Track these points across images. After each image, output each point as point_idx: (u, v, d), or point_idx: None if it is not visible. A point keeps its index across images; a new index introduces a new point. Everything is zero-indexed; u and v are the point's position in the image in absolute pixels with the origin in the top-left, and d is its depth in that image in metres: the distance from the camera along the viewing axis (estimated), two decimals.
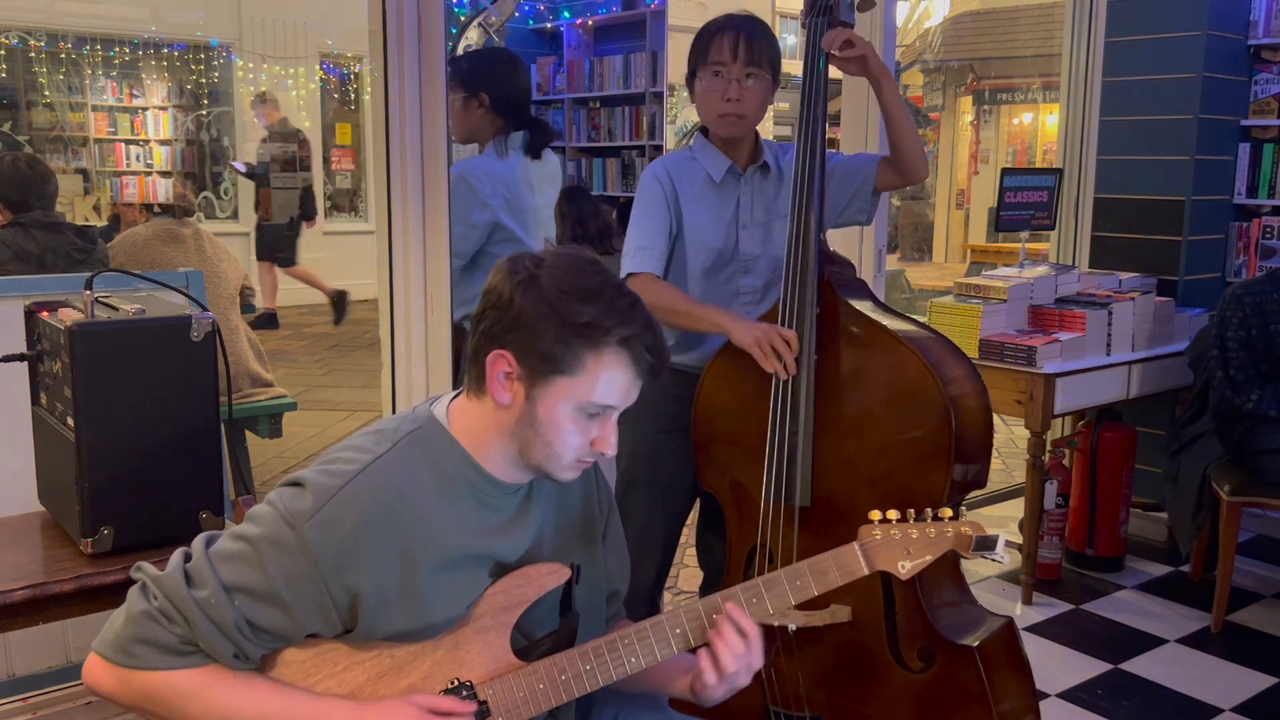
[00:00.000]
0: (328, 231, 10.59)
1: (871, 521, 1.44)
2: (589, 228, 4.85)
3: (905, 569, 1.43)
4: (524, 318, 1.28)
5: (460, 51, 6.29)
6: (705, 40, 2.21)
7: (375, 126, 2.40)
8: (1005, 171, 3.88)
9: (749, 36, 2.17)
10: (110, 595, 1.57)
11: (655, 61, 7.34)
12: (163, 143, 10.12)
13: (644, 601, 2.32)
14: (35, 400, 1.80)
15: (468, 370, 1.36)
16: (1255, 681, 3.02)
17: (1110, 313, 3.55)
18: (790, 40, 13.79)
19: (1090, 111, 4.10)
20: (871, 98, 3.12)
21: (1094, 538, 3.77)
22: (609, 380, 1.31)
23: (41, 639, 2.33)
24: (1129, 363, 3.59)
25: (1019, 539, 3.73)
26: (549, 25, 8.17)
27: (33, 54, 9.33)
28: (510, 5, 7.20)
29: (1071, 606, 3.51)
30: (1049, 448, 3.48)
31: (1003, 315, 3.49)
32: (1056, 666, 3.07)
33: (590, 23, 7.88)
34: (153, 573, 1.29)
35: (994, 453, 2.11)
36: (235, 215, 10.13)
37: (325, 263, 10.23)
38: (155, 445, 1.65)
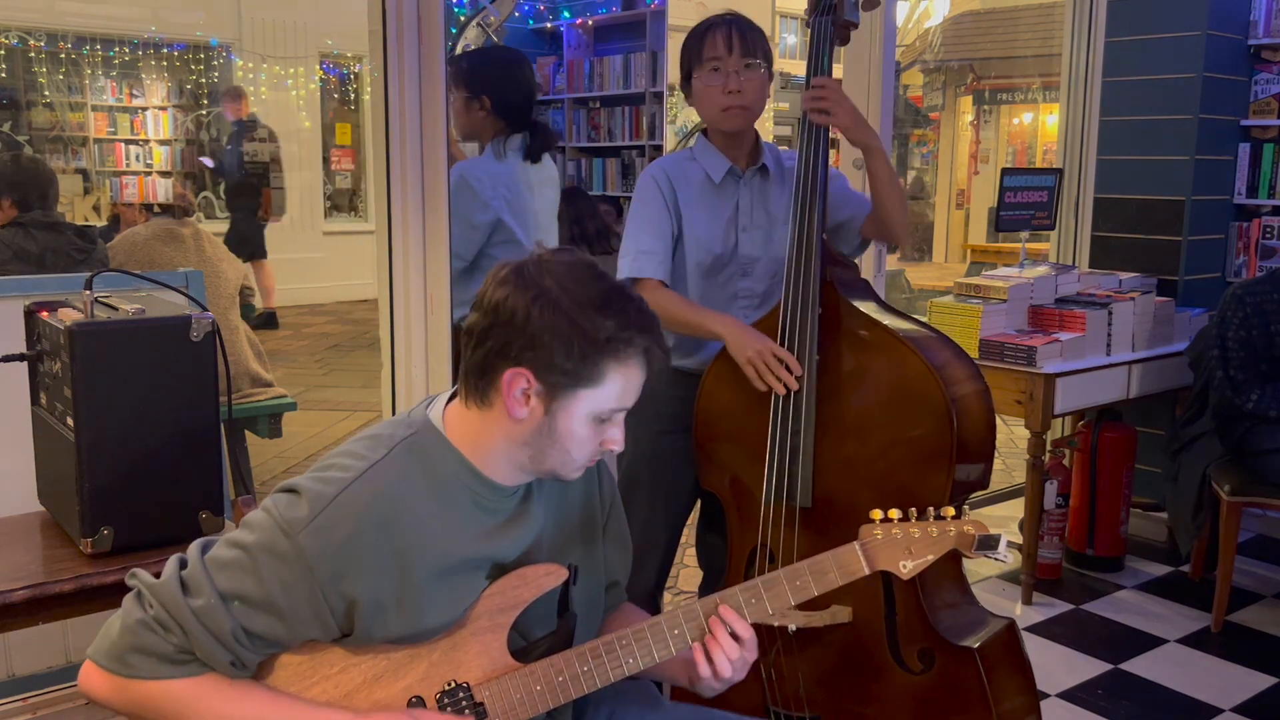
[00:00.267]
0: (328, 231, 10.60)
1: (872, 521, 1.44)
2: (587, 228, 4.86)
3: (907, 569, 1.43)
4: (543, 337, 1.27)
5: (459, 51, 6.29)
6: (697, 40, 2.21)
7: (375, 126, 2.40)
8: (1005, 171, 3.88)
9: (740, 30, 2.19)
10: (110, 595, 1.57)
11: (655, 61, 7.33)
12: (163, 143, 10.12)
13: (644, 602, 2.31)
14: (35, 400, 1.80)
15: (469, 380, 1.34)
16: (1255, 681, 3.02)
17: (1110, 313, 3.55)
18: (790, 40, 13.81)
19: (1090, 111, 4.10)
20: (871, 94, 3.13)
21: (1094, 538, 3.77)
22: (627, 385, 1.32)
23: (41, 639, 2.33)
24: (1129, 363, 3.59)
25: (1019, 539, 3.73)
26: (549, 25, 8.16)
27: (32, 54, 9.34)
28: (509, 5, 7.18)
29: (1071, 606, 3.51)
30: (1049, 448, 3.48)
31: (1003, 315, 3.49)
32: (1057, 666, 3.07)
33: (590, 23, 7.87)
34: (148, 580, 1.29)
35: (994, 453, 2.11)
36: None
37: (325, 263, 10.25)
38: (155, 445, 1.65)
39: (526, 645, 1.40)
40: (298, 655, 1.32)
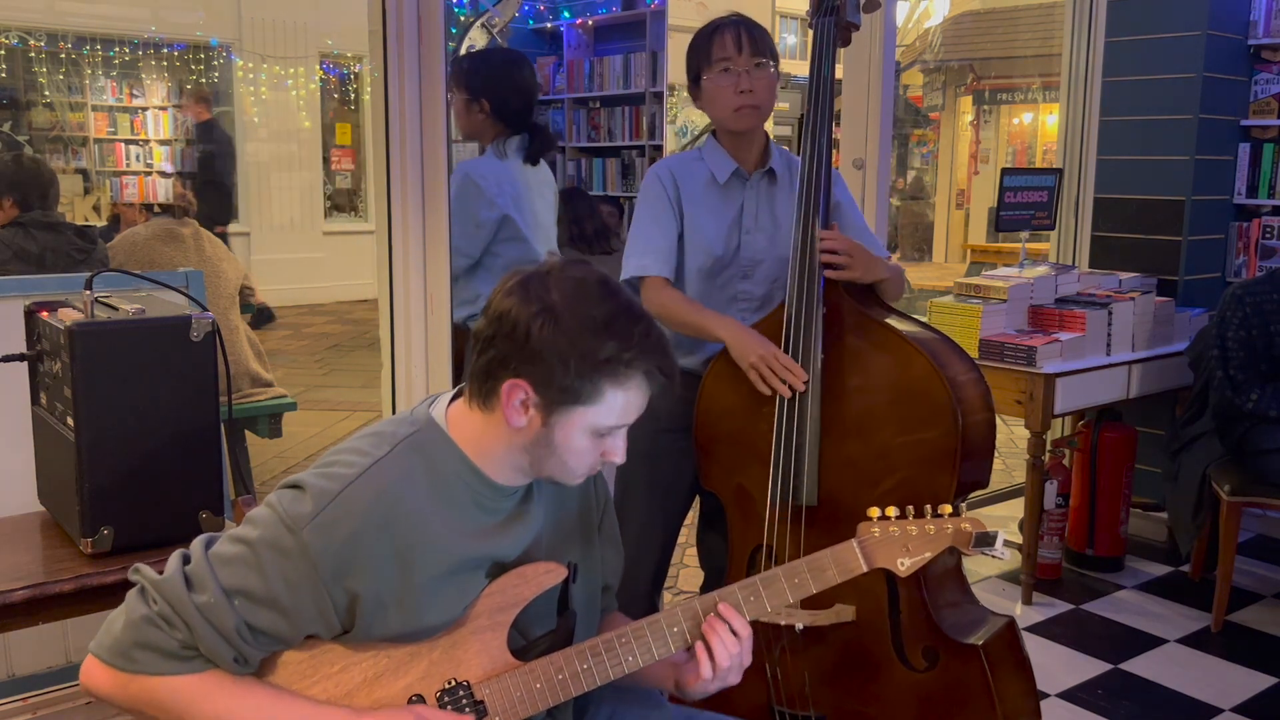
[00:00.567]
0: (328, 231, 10.60)
1: (870, 519, 1.44)
2: (586, 228, 4.86)
3: (905, 566, 1.43)
4: (543, 353, 1.27)
5: (464, 52, 6.29)
6: (706, 41, 2.22)
7: (375, 126, 2.40)
8: (1005, 171, 3.89)
9: (749, 29, 2.20)
10: (110, 595, 1.57)
11: (655, 62, 7.33)
12: (163, 143, 10.12)
13: (643, 602, 2.32)
14: (35, 400, 1.80)
15: (473, 384, 1.35)
16: (1255, 681, 3.02)
17: (1110, 313, 3.55)
18: (790, 40, 13.80)
19: (1090, 111, 4.10)
20: (871, 95, 3.13)
21: (1094, 538, 3.77)
22: (627, 405, 1.33)
23: (41, 639, 2.33)
24: (1129, 363, 3.59)
25: (1019, 539, 3.73)
26: (549, 25, 8.16)
27: (33, 54, 9.34)
28: (513, 6, 7.19)
29: (1071, 606, 3.51)
30: (1049, 448, 3.48)
31: (1003, 315, 3.49)
32: (1057, 666, 3.07)
33: (590, 23, 7.87)
34: (152, 576, 1.29)
35: (994, 452, 2.12)
36: (235, 215, 10.13)
37: (325, 263, 10.26)
38: (155, 445, 1.65)
39: (526, 644, 1.40)
40: (299, 654, 1.32)
